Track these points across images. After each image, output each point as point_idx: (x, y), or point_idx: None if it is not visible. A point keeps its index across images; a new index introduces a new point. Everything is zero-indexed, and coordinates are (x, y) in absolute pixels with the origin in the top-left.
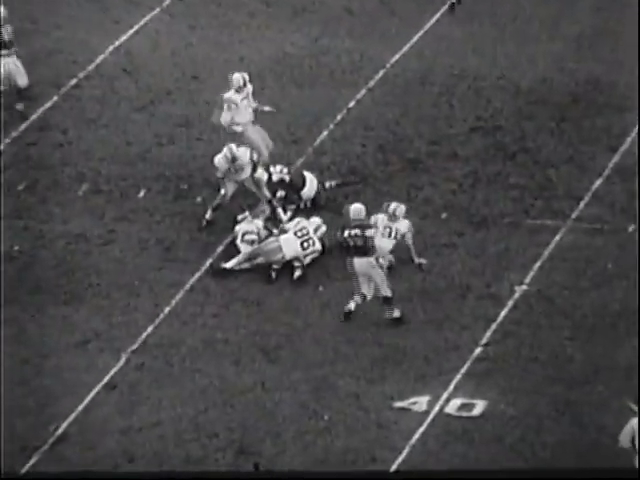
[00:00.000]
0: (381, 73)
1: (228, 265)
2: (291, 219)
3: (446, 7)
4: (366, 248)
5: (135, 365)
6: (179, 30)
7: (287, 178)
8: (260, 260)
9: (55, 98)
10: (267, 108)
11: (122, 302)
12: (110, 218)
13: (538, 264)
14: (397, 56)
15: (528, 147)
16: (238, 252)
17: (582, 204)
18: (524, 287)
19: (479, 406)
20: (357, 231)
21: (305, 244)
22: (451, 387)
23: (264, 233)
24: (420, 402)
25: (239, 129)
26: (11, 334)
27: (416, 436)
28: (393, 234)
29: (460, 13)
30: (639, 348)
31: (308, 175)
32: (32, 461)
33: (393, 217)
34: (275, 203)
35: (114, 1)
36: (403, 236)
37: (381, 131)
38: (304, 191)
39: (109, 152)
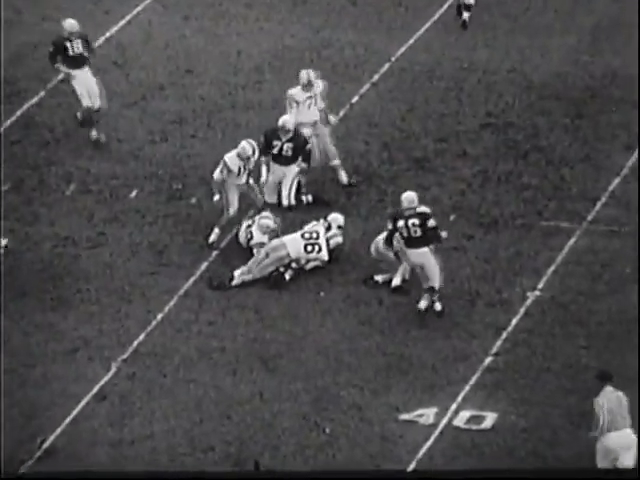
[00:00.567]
0: (386, 67)
1: (235, 282)
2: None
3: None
4: (426, 238)
5: (126, 375)
6: (172, 21)
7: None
8: (267, 262)
9: (42, 93)
10: (332, 118)
11: (112, 308)
12: (99, 220)
13: (552, 269)
14: (403, 49)
15: (541, 145)
16: (236, 254)
17: (598, 205)
18: (537, 293)
19: (489, 419)
20: (416, 220)
21: (309, 247)
22: (460, 398)
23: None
24: (427, 414)
25: (307, 131)
26: None
27: (422, 450)
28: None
29: None
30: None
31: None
32: (18, 474)
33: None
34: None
35: None
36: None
37: (386, 128)
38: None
39: (98, 150)
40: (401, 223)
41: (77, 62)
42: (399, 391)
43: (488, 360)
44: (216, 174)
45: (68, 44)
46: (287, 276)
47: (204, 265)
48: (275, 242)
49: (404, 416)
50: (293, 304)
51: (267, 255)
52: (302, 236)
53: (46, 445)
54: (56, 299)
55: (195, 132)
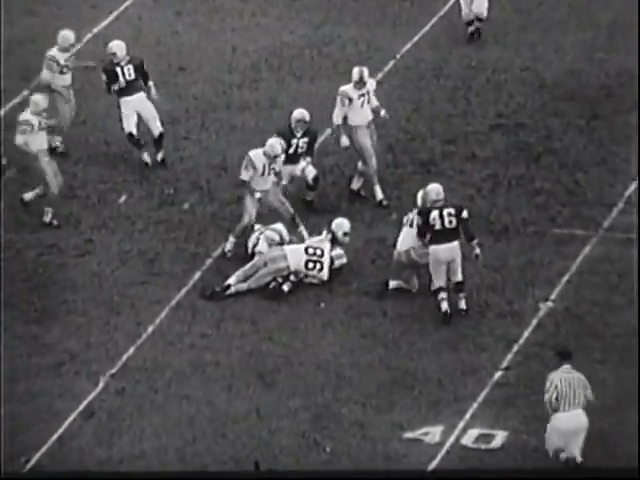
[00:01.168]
0: (390, 65)
1: (230, 291)
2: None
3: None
4: (458, 231)
5: (115, 390)
6: (164, 16)
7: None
8: (264, 272)
9: (25, 92)
10: (383, 112)
11: (100, 320)
12: (87, 226)
13: (565, 278)
14: (408, 45)
15: (554, 147)
16: (231, 264)
17: (615, 211)
18: (550, 304)
19: (499, 437)
20: (451, 210)
21: (310, 264)
22: (468, 416)
23: (287, 237)
24: (433, 432)
25: (363, 132)
26: None
27: (428, 470)
28: None
29: None
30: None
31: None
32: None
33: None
34: (297, 220)
35: None
36: None
37: (391, 129)
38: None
39: (86, 152)
40: (435, 214)
41: (131, 89)
42: (403, 408)
43: (498, 375)
44: (243, 174)
45: (119, 70)
46: (285, 288)
47: (197, 274)
48: (276, 252)
49: (408, 434)
50: (291, 315)
51: (265, 264)
52: (306, 251)
53: (30, 464)
54: (40, 310)
55: (188, 133)
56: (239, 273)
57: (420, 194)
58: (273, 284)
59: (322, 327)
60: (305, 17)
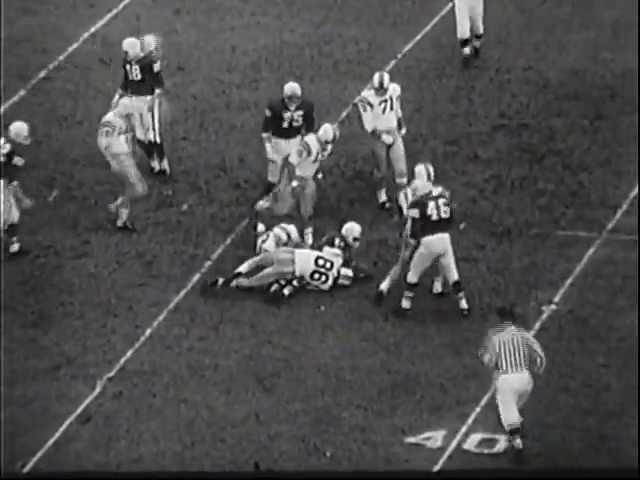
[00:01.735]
0: (392, 64)
1: (234, 282)
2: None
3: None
4: (451, 220)
5: (112, 394)
6: (162, 15)
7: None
8: (269, 271)
9: (22, 92)
10: (403, 130)
11: (97, 323)
12: (84, 228)
13: (569, 281)
14: (410, 45)
15: (558, 148)
16: (230, 265)
17: (619, 213)
18: (553, 307)
19: (502, 442)
20: (445, 200)
21: (316, 275)
22: (470, 420)
23: (296, 239)
24: (435, 437)
25: (388, 139)
26: None
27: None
28: None
29: None
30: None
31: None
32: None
33: None
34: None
35: None
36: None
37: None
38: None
39: (83, 153)
40: (432, 205)
41: (134, 89)
42: (405, 412)
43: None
44: (293, 157)
45: (128, 68)
46: (286, 291)
47: (196, 277)
48: (285, 255)
49: (410, 439)
50: (291, 319)
51: (272, 263)
52: (316, 261)
53: (27, 469)
54: (37, 313)
55: (187, 134)
56: (250, 262)
57: (409, 191)
58: (275, 287)
59: (322, 330)
60: (305, 16)
